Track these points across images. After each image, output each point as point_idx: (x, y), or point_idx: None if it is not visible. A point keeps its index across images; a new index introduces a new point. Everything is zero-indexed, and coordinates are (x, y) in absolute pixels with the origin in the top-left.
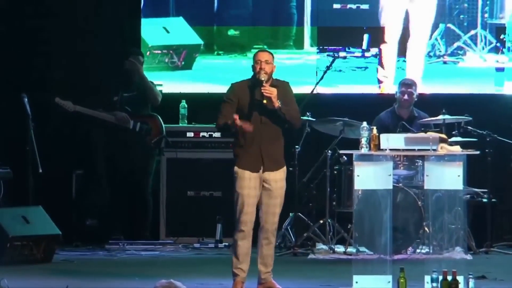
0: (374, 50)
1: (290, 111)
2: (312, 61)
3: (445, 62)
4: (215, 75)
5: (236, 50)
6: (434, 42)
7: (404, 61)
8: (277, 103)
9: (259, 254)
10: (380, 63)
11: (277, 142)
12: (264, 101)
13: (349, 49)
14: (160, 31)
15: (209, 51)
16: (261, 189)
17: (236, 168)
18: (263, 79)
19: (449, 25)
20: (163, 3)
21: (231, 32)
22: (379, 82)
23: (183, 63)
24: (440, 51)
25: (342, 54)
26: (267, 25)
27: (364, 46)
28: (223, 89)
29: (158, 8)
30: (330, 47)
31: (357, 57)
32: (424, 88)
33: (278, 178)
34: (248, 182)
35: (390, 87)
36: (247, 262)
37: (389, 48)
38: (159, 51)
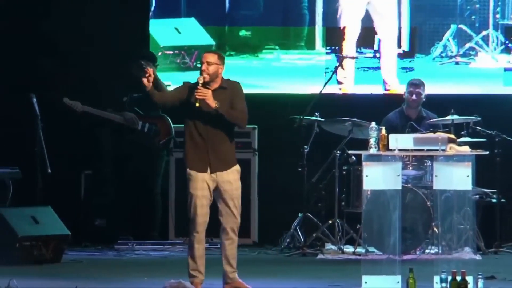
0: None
1: (232, 112)
2: (323, 62)
3: (457, 63)
4: (227, 75)
5: (247, 50)
6: (445, 42)
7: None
8: (213, 104)
9: (223, 254)
10: (341, 65)
11: (225, 141)
12: (197, 104)
13: (360, 49)
14: (171, 31)
15: (220, 52)
16: (215, 191)
17: (188, 169)
18: (200, 81)
19: (461, 25)
20: (174, 3)
21: (243, 32)
22: (339, 83)
23: (194, 63)
24: (452, 52)
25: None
26: (279, 26)
27: (376, 46)
28: None
29: (169, 8)
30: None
31: (369, 57)
32: (435, 89)
33: (231, 179)
34: (200, 183)
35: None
36: (203, 264)
37: (349, 49)
38: (171, 52)
